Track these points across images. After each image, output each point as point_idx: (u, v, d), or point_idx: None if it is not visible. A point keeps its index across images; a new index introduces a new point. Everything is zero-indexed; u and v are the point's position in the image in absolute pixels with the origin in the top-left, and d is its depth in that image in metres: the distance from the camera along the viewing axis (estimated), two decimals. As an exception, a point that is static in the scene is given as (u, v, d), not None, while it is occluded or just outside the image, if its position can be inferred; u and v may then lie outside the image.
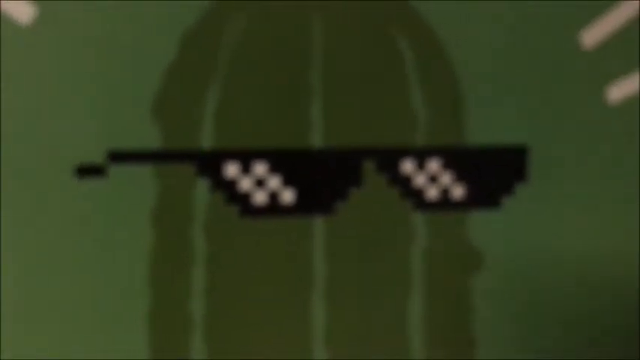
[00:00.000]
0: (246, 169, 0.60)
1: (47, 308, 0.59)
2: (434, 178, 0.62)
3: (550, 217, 0.64)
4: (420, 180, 0.62)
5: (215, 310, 0.60)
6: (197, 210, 0.60)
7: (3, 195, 0.58)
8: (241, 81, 0.60)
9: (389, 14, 0.61)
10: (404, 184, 0.62)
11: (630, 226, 0.64)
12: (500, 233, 0.63)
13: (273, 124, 0.60)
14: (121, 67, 0.58)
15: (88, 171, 0.58)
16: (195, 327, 0.60)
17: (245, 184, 0.60)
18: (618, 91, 0.64)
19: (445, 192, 0.63)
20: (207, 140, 0.60)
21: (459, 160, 0.62)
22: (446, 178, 0.63)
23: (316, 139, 0.61)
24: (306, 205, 0.61)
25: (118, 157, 0.58)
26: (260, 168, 0.60)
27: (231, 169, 0.60)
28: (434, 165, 0.62)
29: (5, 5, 0.57)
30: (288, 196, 0.61)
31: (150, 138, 0.59)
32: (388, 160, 0.62)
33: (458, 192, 0.63)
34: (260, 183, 0.60)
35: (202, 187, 0.60)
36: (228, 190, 0.60)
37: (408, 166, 0.62)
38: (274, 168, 0.60)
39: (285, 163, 0.60)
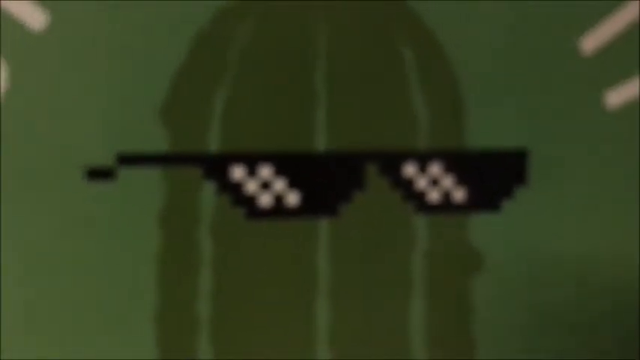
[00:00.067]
0: (251, 172, 0.61)
1: (55, 309, 0.59)
2: (435, 182, 0.63)
3: (550, 220, 0.64)
4: (421, 183, 0.63)
5: (221, 311, 0.61)
6: (204, 212, 0.60)
7: (14, 196, 0.58)
8: (247, 86, 0.60)
9: (392, 20, 0.62)
10: (406, 187, 0.63)
11: (630, 229, 0.65)
12: (501, 236, 0.64)
13: (279, 128, 0.61)
14: (130, 73, 0.59)
15: (97, 173, 0.59)
16: (202, 327, 0.61)
17: (251, 186, 0.61)
18: (617, 96, 0.65)
19: (446, 195, 0.63)
20: (213, 144, 0.60)
21: (460, 164, 0.63)
22: (447, 182, 0.63)
23: (320, 143, 0.61)
24: (311, 207, 0.62)
25: (127, 160, 0.59)
26: (265, 171, 0.61)
27: (237, 172, 0.61)
28: (435, 168, 0.63)
29: (18, 11, 0.58)
30: (292, 198, 0.61)
31: (158, 141, 0.59)
32: (390, 163, 0.62)
33: (459, 195, 0.63)
34: (265, 186, 0.61)
35: (209, 189, 0.60)
36: (235, 192, 0.61)
37: (410, 169, 0.63)
38: (279, 171, 0.61)
39: (290, 166, 0.61)
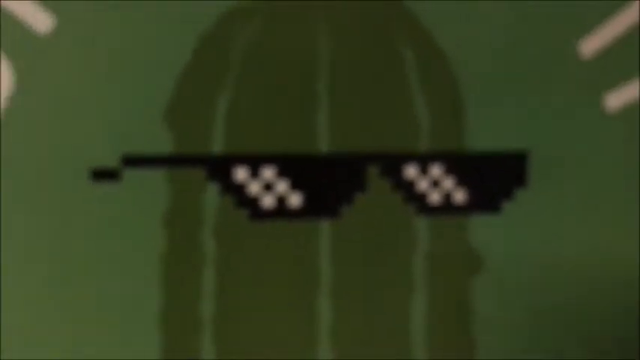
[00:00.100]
0: (255, 173, 0.61)
1: (59, 308, 0.60)
2: (436, 183, 0.64)
3: (550, 222, 0.65)
4: (422, 185, 0.63)
5: (224, 311, 0.62)
6: (207, 213, 0.61)
7: (20, 196, 0.59)
8: (251, 89, 0.61)
9: (394, 24, 0.62)
10: (407, 188, 0.63)
11: (629, 230, 0.65)
12: (501, 237, 0.64)
13: (282, 130, 0.61)
14: (134, 75, 0.59)
15: (102, 174, 0.59)
16: (205, 326, 0.61)
17: (254, 188, 0.62)
18: (617, 98, 0.65)
19: (447, 196, 0.64)
20: (217, 145, 0.61)
21: (461, 166, 0.64)
22: (448, 183, 0.64)
23: (323, 145, 0.62)
24: (313, 208, 0.62)
25: (132, 161, 0.59)
26: (268, 172, 0.62)
27: (241, 174, 0.61)
28: (436, 170, 0.63)
29: (23, 14, 0.58)
30: (295, 199, 0.62)
31: (162, 143, 0.60)
32: (392, 165, 0.63)
33: (459, 196, 0.64)
34: (268, 187, 0.62)
35: (212, 190, 0.61)
36: (238, 193, 0.61)
37: (411, 171, 0.63)
38: (282, 172, 0.62)
39: (292, 167, 0.62)
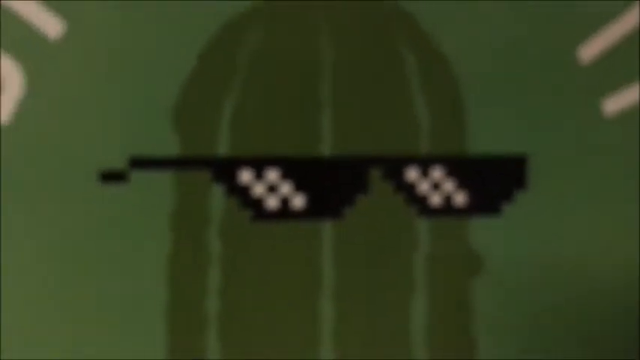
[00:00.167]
0: (259, 175, 0.62)
1: (68, 307, 0.61)
2: (437, 186, 0.64)
3: (549, 224, 0.65)
4: (423, 187, 0.64)
5: (229, 310, 0.62)
6: (213, 214, 0.62)
7: (29, 197, 0.60)
8: (256, 93, 0.62)
9: (396, 30, 0.63)
10: (408, 190, 0.64)
11: (628, 231, 0.66)
12: (501, 239, 0.65)
13: (286, 133, 0.62)
14: (142, 79, 0.60)
15: (110, 176, 0.60)
16: (210, 325, 0.62)
17: (258, 189, 0.62)
18: (615, 103, 0.66)
19: (448, 199, 0.64)
20: (222, 148, 0.62)
21: (462, 168, 0.64)
22: (449, 186, 0.64)
23: (326, 148, 0.63)
24: (316, 210, 0.63)
25: (139, 163, 0.60)
26: (272, 174, 0.62)
27: (245, 176, 0.62)
28: (437, 173, 0.64)
29: (35, 19, 0.59)
30: (298, 201, 0.63)
31: (169, 146, 0.61)
32: (393, 168, 0.64)
33: (460, 199, 0.65)
34: (272, 189, 0.62)
35: (218, 192, 0.62)
36: (242, 195, 0.62)
37: (412, 173, 0.64)
38: (286, 175, 0.62)
39: (296, 170, 0.62)
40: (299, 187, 0.63)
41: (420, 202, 0.64)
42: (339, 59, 0.63)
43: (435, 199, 0.65)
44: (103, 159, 0.60)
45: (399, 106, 0.64)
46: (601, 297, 0.66)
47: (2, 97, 0.60)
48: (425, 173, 0.64)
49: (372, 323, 0.64)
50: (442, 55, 0.64)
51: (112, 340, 0.61)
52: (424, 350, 0.65)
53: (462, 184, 0.65)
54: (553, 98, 0.65)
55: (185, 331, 0.62)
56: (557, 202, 0.66)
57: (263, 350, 0.63)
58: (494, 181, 0.65)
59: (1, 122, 0.60)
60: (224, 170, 0.62)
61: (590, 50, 0.65)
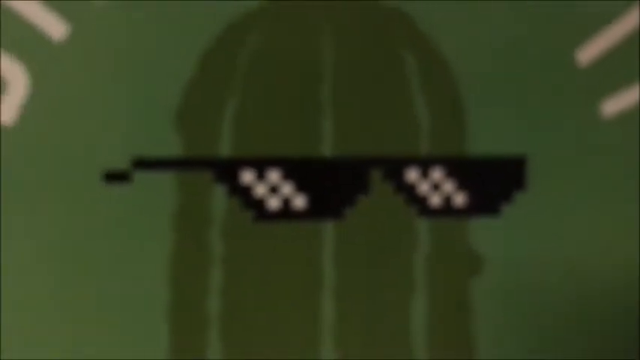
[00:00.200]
0: (261, 176, 0.63)
1: (71, 307, 0.61)
2: (437, 186, 0.65)
3: (548, 224, 0.66)
4: (423, 188, 0.65)
5: (230, 309, 0.63)
6: (215, 214, 0.62)
7: (34, 197, 0.60)
8: (257, 94, 0.62)
9: (397, 32, 0.64)
10: (408, 191, 0.64)
11: (627, 232, 0.67)
12: (500, 239, 0.65)
13: (287, 134, 0.63)
14: (146, 81, 0.61)
15: (114, 177, 0.61)
16: (211, 324, 0.63)
17: (260, 190, 0.63)
18: (613, 105, 0.66)
19: (448, 199, 0.65)
20: (224, 149, 0.62)
21: (461, 169, 0.65)
22: (448, 186, 0.65)
23: (327, 149, 0.63)
24: (317, 210, 0.63)
25: (142, 164, 0.61)
26: (274, 175, 0.63)
27: (247, 176, 0.63)
28: (437, 174, 0.65)
29: (39, 22, 0.60)
30: (300, 201, 0.63)
31: (172, 147, 0.61)
32: (394, 168, 0.64)
33: (460, 199, 0.65)
34: (274, 189, 0.63)
35: (220, 193, 0.62)
36: (244, 195, 0.63)
37: (412, 174, 0.64)
38: (287, 175, 0.63)
39: (297, 170, 0.63)
40: (300, 187, 0.63)
41: (420, 203, 0.65)
42: (339, 61, 0.63)
43: (435, 200, 0.65)
44: (106, 159, 0.61)
45: (399, 107, 0.64)
46: (600, 297, 0.66)
47: (7, 98, 0.60)
48: (425, 174, 0.65)
49: (372, 322, 0.65)
50: (442, 57, 0.64)
51: (114, 340, 0.62)
52: (424, 349, 0.66)
53: (462, 184, 0.65)
54: (552, 99, 0.66)
55: (187, 331, 0.63)
56: (556, 203, 0.66)
57: (264, 349, 0.64)
58: (493, 181, 0.65)
59: (6, 123, 0.61)
60: (226, 171, 0.62)
61: (589, 52, 0.66)
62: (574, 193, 0.66)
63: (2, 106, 0.60)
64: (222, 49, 0.62)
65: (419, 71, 0.64)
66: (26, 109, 0.60)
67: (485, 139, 0.65)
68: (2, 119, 0.60)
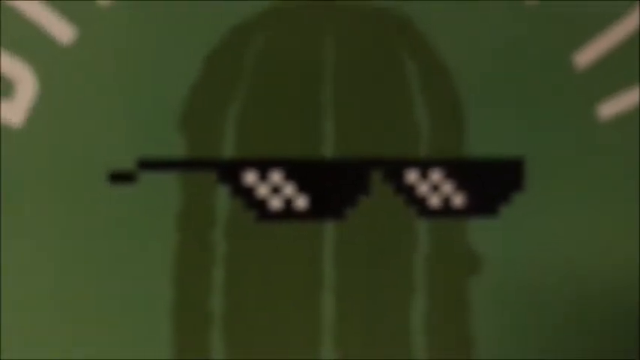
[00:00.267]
0: (263, 177, 0.64)
1: (75, 306, 0.62)
2: (436, 188, 0.66)
3: (545, 225, 0.67)
4: (423, 189, 0.66)
5: (233, 308, 0.64)
6: (218, 214, 0.63)
7: (41, 197, 0.61)
8: (260, 97, 0.63)
9: (397, 39, 0.65)
10: (408, 192, 0.65)
11: (623, 232, 0.67)
12: (499, 239, 0.66)
13: (289, 136, 0.63)
14: (151, 83, 0.62)
15: (119, 177, 0.62)
16: (214, 323, 0.64)
17: (262, 190, 0.64)
18: (610, 108, 0.67)
19: (446, 200, 0.66)
20: (228, 150, 0.63)
21: (460, 171, 0.66)
22: (447, 188, 0.66)
23: (328, 150, 0.64)
24: (318, 211, 0.64)
25: (147, 165, 0.62)
26: (276, 176, 0.64)
27: (250, 177, 0.64)
28: (436, 175, 0.66)
29: (47, 25, 0.61)
30: (301, 202, 0.64)
31: (176, 148, 0.62)
32: (394, 170, 0.65)
33: (458, 200, 0.66)
34: (276, 190, 0.64)
35: (223, 193, 0.63)
36: (247, 196, 0.63)
37: (412, 176, 0.65)
38: (289, 176, 0.64)
39: (299, 171, 0.64)
40: (302, 188, 0.64)
41: (419, 204, 0.66)
42: (340, 64, 0.64)
43: (434, 201, 0.66)
44: (112, 160, 0.62)
45: (400, 109, 0.65)
46: (599, 297, 0.67)
47: (15, 100, 0.61)
48: (424, 175, 0.66)
49: (372, 322, 0.66)
50: (441, 59, 0.65)
51: (117, 339, 0.63)
52: (423, 348, 0.66)
53: (461, 186, 0.66)
54: (550, 102, 0.67)
55: (190, 329, 0.64)
56: (553, 204, 0.67)
57: (265, 348, 0.65)
58: (492, 183, 0.66)
59: (14, 125, 0.62)
60: (229, 172, 0.63)
61: (587, 54, 0.67)
62: (571, 194, 0.67)
63: (11, 108, 0.61)
64: (224, 52, 0.63)
65: (419, 74, 0.65)
66: (34, 111, 0.61)
67: (484, 141, 0.66)
68: (11, 121, 0.61)
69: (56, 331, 0.62)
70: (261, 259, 0.64)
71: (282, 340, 0.65)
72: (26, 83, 0.61)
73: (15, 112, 0.61)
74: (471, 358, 0.66)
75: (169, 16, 0.62)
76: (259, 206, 0.64)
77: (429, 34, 0.65)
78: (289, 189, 0.64)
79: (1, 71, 0.61)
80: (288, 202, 0.64)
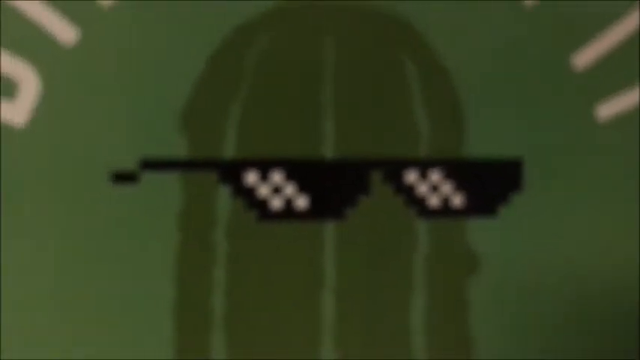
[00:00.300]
0: (264, 177, 0.64)
1: (77, 305, 0.62)
2: (435, 188, 0.66)
3: (543, 225, 0.67)
4: (422, 189, 0.66)
5: (234, 307, 0.64)
6: (219, 214, 0.64)
7: (44, 197, 0.62)
8: (261, 97, 0.64)
9: (397, 40, 0.65)
10: (408, 192, 0.66)
11: (620, 231, 0.68)
12: (497, 239, 0.67)
13: (290, 136, 0.64)
14: (153, 84, 0.62)
15: (121, 177, 0.62)
16: (215, 322, 0.64)
17: (263, 191, 0.64)
18: (608, 109, 0.67)
19: (446, 201, 0.66)
20: (229, 151, 0.64)
21: (459, 171, 0.66)
22: (446, 188, 0.66)
23: (328, 151, 0.64)
24: (319, 211, 0.65)
25: (149, 165, 0.62)
26: (277, 176, 0.64)
27: (251, 177, 0.64)
28: (435, 175, 0.66)
29: (51, 27, 0.62)
30: (302, 202, 0.65)
31: (178, 148, 0.63)
32: (394, 170, 0.65)
33: (457, 201, 0.66)
34: (277, 190, 0.64)
35: (224, 193, 0.64)
36: (248, 196, 0.64)
37: (411, 176, 0.66)
38: (290, 176, 0.64)
39: (300, 172, 0.64)
40: (302, 188, 0.65)
41: (419, 204, 0.66)
42: (341, 65, 0.65)
43: (434, 201, 0.66)
44: (115, 160, 0.62)
45: (399, 110, 0.66)
46: (598, 297, 0.67)
47: (19, 100, 0.62)
48: (424, 176, 0.66)
49: (371, 321, 0.66)
50: (440, 61, 0.65)
51: (118, 339, 0.63)
52: (422, 347, 0.67)
53: (460, 186, 0.66)
54: (548, 103, 0.67)
55: (191, 329, 0.64)
56: (551, 204, 0.67)
57: (266, 347, 0.65)
58: (490, 183, 0.67)
59: (17, 125, 0.62)
60: (230, 172, 0.64)
61: (586, 56, 0.67)
62: (570, 194, 0.67)
63: (14, 108, 0.62)
64: (227, 52, 0.63)
65: (418, 75, 0.65)
66: (37, 112, 0.62)
67: (483, 142, 0.66)
68: (14, 121, 0.62)
69: (56, 331, 0.63)
70: (261, 258, 0.65)
71: (282, 339, 0.65)
72: (29, 84, 0.62)
73: (18, 112, 0.62)
74: (471, 358, 0.67)
75: (171, 17, 0.62)
76: (260, 206, 0.65)
77: (429, 35, 0.65)
78: (290, 189, 0.65)
79: (6, 72, 0.61)
80: (289, 202, 0.65)
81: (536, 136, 0.67)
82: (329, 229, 0.65)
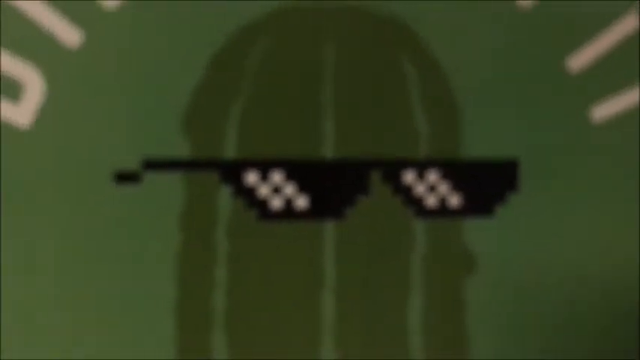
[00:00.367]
0: (264, 177, 0.65)
1: (79, 305, 0.63)
2: (433, 188, 0.67)
3: (540, 225, 0.68)
4: (420, 189, 0.67)
5: (235, 306, 0.65)
6: (220, 214, 0.64)
7: (48, 197, 0.63)
8: (262, 98, 0.64)
9: (396, 42, 0.66)
10: (406, 192, 0.66)
11: (619, 231, 0.68)
12: (494, 239, 0.67)
13: (290, 136, 0.65)
14: (155, 85, 0.63)
15: (124, 177, 0.63)
16: (216, 321, 0.65)
17: (263, 190, 0.65)
18: (603, 110, 0.68)
19: (443, 201, 0.67)
20: (230, 151, 0.64)
21: (456, 172, 0.67)
22: (444, 188, 0.67)
23: (328, 151, 0.65)
24: (319, 210, 0.65)
25: (152, 165, 0.63)
26: (277, 176, 0.65)
27: (251, 177, 0.65)
28: (433, 176, 0.67)
29: (55, 29, 0.62)
30: (302, 202, 0.65)
31: (180, 148, 0.63)
32: (392, 170, 0.66)
33: (455, 201, 0.67)
34: (277, 190, 0.65)
35: (225, 193, 0.64)
36: (248, 196, 0.65)
37: (409, 176, 0.66)
38: (290, 176, 0.65)
39: (299, 172, 0.65)
40: (302, 188, 0.65)
41: (416, 204, 0.67)
42: (341, 66, 0.65)
43: (431, 201, 0.67)
44: (117, 161, 0.63)
45: (398, 112, 0.66)
46: (598, 297, 0.68)
47: (24, 102, 0.63)
48: (421, 176, 0.67)
49: (370, 320, 0.67)
50: (438, 62, 0.66)
51: (120, 338, 0.64)
52: (420, 347, 0.67)
53: (457, 186, 0.67)
54: (545, 104, 0.68)
55: (192, 329, 0.65)
56: (548, 204, 0.68)
57: (266, 347, 0.66)
58: (487, 183, 0.67)
59: (22, 126, 0.63)
60: (231, 172, 0.64)
61: (582, 57, 0.68)
62: (565, 194, 0.68)
63: (19, 110, 0.63)
64: (229, 54, 0.64)
65: (417, 76, 0.66)
66: (41, 113, 0.63)
67: (480, 143, 0.67)
68: (19, 122, 0.63)
69: (57, 331, 0.63)
70: (262, 258, 0.65)
71: (282, 339, 0.66)
72: (34, 86, 0.62)
73: (23, 114, 0.63)
74: (468, 358, 0.67)
75: (174, 19, 0.63)
76: (260, 206, 0.65)
77: (427, 36, 0.66)
78: (290, 189, 0.65)
79: (11, 74, 0.62)
80: (289, 202, 0.65)
81: (532, 137, 0.67)
82: (328, 229, 0.66)
